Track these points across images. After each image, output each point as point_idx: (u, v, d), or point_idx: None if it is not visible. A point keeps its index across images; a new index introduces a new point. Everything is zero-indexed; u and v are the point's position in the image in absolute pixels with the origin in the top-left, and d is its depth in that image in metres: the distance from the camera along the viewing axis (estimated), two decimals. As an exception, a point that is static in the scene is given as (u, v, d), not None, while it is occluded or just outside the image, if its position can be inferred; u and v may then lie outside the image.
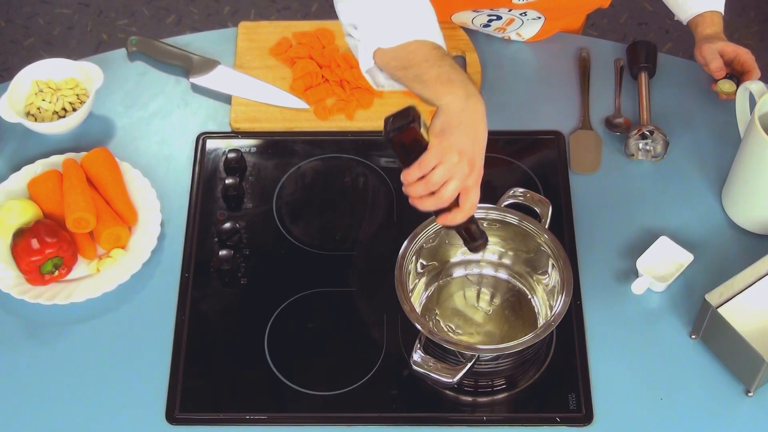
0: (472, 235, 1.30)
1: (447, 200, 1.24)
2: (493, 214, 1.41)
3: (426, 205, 1.25)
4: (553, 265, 1.38)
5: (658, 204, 1.55)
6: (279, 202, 1.57)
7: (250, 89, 1.68)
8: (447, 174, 1.22)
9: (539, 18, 1.69)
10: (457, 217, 1.26)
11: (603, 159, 1.60)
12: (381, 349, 1.41)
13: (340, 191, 1.59)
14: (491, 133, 1.63)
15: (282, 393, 1.38)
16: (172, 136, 1.66)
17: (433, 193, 1.23)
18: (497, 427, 1.36)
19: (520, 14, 1.67)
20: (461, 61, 1.72)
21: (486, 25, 1.73)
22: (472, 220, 1.28)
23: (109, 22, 3.05)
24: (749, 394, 1.37)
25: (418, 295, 1.44)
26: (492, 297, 1.46)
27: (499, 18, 1.69)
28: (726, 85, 1.59)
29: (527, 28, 1.72)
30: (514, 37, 1.75)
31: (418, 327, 1.30)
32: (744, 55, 1.59)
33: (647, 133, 1.58)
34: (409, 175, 1.23)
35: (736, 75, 1.60)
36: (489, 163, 1.59)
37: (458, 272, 1.47)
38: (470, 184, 1.24)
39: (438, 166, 1.21)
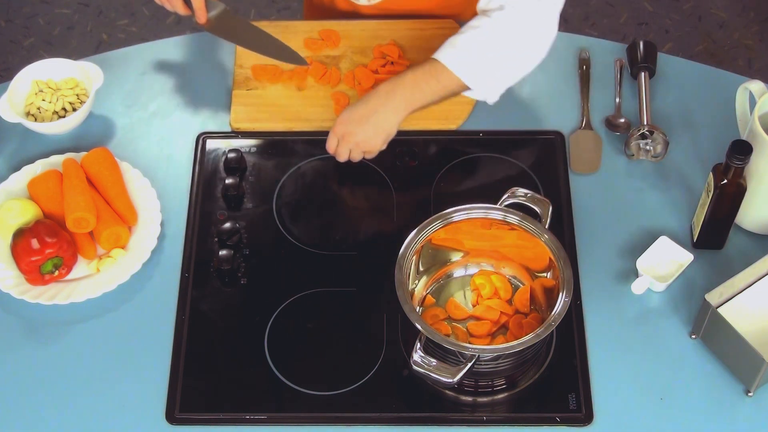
0: None
1: None
2: (494, 214, 1.41)
3: None
4: (553, 265, 1.38)
5: (658, 204, 1.55)
6: (279, 202, 1.57)
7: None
8: None
9: None
10: None
11: (603, 159, 1.60)
12: (381, 349, 1.41)
13: (340, 191, 1.59)
14: (492, 133, 1.65)
15: (282, 393, 1.38)
16: (172, 136, 1.65)
17: None
18: (497, 427, 1.36)
19: None
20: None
21: None
22: None
23: (109, 22, 3.05)
24: (749, 394, 1.37)
25: (418, 295, 1.44)
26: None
27: None
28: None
29: None
30: None
31: (418, 327, 1.30)
32: None
33: (647, 133, 1.58)
34: None
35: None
36: (490, 162, 1.60)
37: (458, 272, 1.47)
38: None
39: None
